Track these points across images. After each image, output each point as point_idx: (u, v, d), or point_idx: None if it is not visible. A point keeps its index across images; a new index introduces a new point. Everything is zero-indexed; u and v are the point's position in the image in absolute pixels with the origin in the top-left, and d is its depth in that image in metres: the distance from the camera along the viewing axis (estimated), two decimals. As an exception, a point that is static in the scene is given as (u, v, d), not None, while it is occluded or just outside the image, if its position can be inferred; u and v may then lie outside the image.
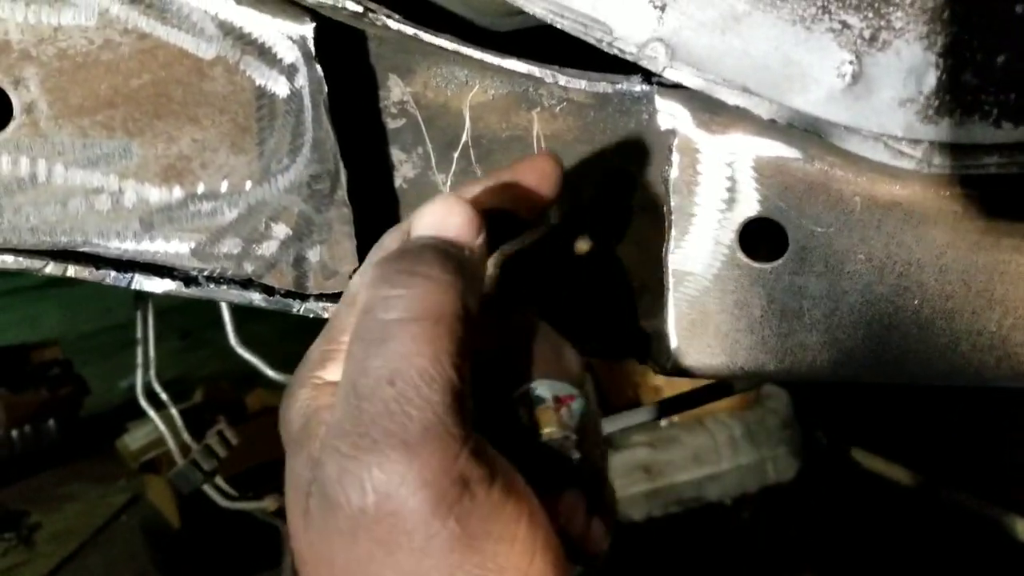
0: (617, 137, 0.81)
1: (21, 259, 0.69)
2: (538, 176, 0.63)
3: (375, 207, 0.82)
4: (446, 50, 0.75)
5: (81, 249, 0.69)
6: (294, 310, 0.75)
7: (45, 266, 0.69)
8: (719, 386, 1.44)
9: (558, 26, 0.66)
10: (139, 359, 1.89)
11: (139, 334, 1.88)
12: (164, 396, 1.95)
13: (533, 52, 0.79)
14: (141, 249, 0.70)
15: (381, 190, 0.83)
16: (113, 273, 0.71)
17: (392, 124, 0.81)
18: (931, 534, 3.75)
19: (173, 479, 1.96)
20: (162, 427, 1.99)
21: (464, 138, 0.82)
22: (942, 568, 3.56)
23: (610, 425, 1.35)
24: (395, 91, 0.81)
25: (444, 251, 0.52)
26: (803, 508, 4.11)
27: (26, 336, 5.67)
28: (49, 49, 0.66)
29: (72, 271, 0.69)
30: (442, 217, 0.55)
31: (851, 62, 0.59)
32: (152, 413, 1.95)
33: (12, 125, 0.66)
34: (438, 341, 0.48)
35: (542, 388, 0.58)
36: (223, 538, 3.73)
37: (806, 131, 0.64)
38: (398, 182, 0.83)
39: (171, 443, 1.98)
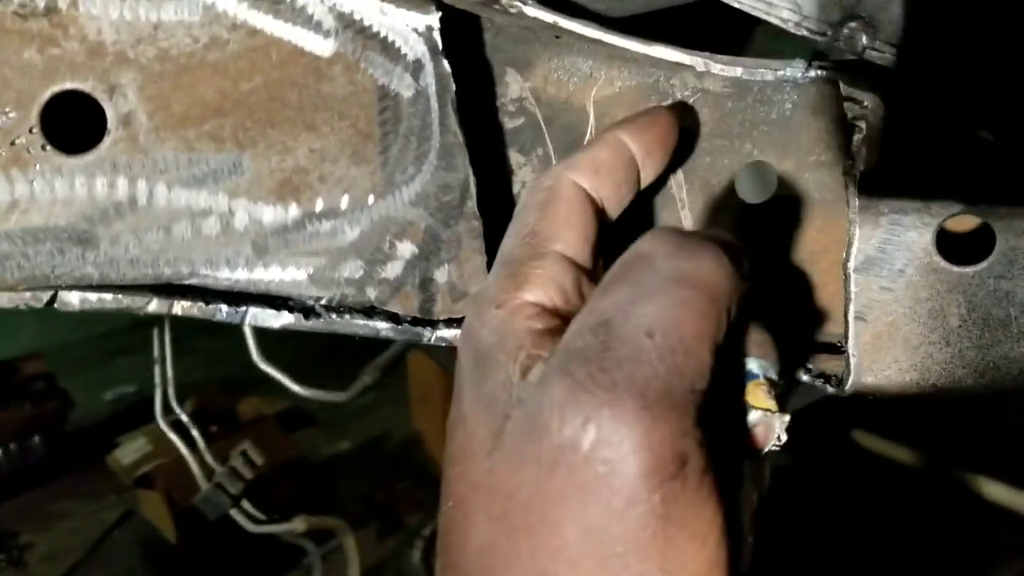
0: (758, 129, 0.73)
1: (121, 296, 0.59)
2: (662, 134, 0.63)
3: (494, 217, 0.73)
4: (581, 39, 0.66)
5: (187, 281, 0.60)
6: (425, 340, 0.66)
7: (148, 303, 0.60)
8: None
9: (735, 6, 0.58)
10: (157, 378, 1.79)
11: (156, 353, 1.78)
12: (184, 417, 1.84)
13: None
14: (254, 278, 0.61)
15: (499, 197, 0.74)
16: (225, 308, 0.61)
17: (510, 124, 0.73)
18: (934, 513, 3.73)
19: (199, 505, 1.86)
20: (182, 448, 1.88)
21: (588, 136, 0.73)
22: (945, 546, 3.54)
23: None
24: (513, 87, 0.72)
25: (738, 249, 0.52)
26: (805, 490, 4.08)
27: (5, 350, 5.49)
28: (149, 50, 0.57)
29: (179, 308, 0.60)
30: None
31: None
32: (172, 435, 1.84)
33: (107, 140, 0.57)
34: (709, 320, 0.47)
35: (754, 365, 0.56)
36: (220, 552, 3.63)
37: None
38: (516, 187, 0.74)
39: (193, 465, 1.87)
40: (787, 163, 0.74)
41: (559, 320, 0.51)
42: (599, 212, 0.58)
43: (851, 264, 0.64)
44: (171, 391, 1.80)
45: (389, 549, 3.81)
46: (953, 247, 0.62)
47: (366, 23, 0.60)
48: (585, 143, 0.57)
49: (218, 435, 4.07)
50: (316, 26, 0.59)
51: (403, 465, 4.46)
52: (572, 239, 0.55)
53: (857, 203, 0.62)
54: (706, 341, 0.46)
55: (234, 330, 1.86)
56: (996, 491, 3.69)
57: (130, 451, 4.10)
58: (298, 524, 1.98)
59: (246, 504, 1.92)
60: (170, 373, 1.78)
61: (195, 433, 1.91)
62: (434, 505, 0.52)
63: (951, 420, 3.94)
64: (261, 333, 1.78)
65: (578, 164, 0.58)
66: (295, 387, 1.81)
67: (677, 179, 0.75)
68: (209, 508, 1.85)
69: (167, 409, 1.83)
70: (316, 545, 2.01)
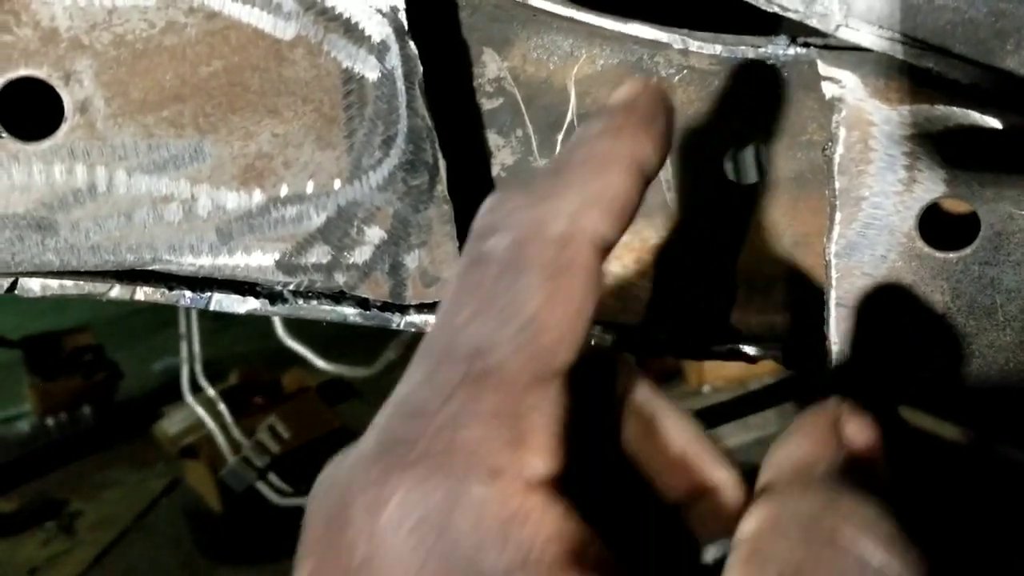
0: (745, 108, 0.71)
1: (82, 283, 0.59)
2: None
3: (471, 201, 0.72)
4: (556, 16, 0.64)
5: (151, 267, 0.60)
6: (394, 325, 0.66)
7: (110, 290, 0.60)
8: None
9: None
10: (183, 352, 1.81)
11: (182, 328, 1.80)
12: (211, 392, 1.87)
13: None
14: (219, 264, 0.61)
15: (477, 181, 0.73)
16: (188, 294, 0.61)
17: (487, 105, 0.71)
18: (983, 491, 3.66)
19: (225, 478, 1.89)
20: (209, 422, 1.91)
21: (569, 117, 0.72)
22: (994, 524, 3.47)
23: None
24: (491, 67, 0.70)
25: None
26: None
27: (55, 323, 5.62)
28: (104, 35, 0.56)
29: (141, 294, 0.60)
30: None
31: (1084, 11, 0.49)
32: (199, 409, 1.87)
33: (64, 127, 0.57)
34: None
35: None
36: (267, 520, 3.69)
37: (1010, 97, 0.53)
38: (495, 170, 0.73)
39: (219, 437, 1.90)
40: (778, 143, 0.71)
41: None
42: None
43: (832, 249, 0.61)
44: (198, 366, 1.82)
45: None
46: (947, 231, 0.60)
47: (328, 4, 0.59)
48: (578, 147, 0.40)
49: (263, 406, 4.14)
50: (276, 8, 0.58)
51: (442, 438, 4.49)
52: (578, 339, 0.36)
53: (837, 185, 0.60)
54: None
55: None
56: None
57: (175, 422, 4.18)
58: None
59: (273, 477, 1.94)
60: (197, 348, 1.81)
61: (222, 407, 1.94)
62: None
63: (1005, 399, 3.85)
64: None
65: (598, 201, 0.38)
66: (320, 362, 1.83)
67: None
68: (234, 480, 1.88)
69: (198, 384, 1.86)
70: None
